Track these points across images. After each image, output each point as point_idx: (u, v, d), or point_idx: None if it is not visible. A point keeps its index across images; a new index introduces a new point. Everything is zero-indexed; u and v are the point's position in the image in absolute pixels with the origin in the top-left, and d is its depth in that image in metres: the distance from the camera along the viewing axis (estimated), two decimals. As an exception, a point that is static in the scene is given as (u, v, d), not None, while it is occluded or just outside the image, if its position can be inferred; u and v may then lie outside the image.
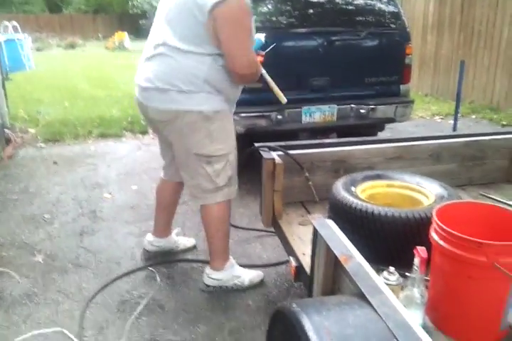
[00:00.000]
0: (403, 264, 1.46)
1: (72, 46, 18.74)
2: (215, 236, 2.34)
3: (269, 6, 3.59)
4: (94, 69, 11.53)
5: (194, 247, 2.85)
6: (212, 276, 2.38)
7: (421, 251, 1.34)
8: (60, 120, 5.96)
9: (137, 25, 21.78)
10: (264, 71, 2.35)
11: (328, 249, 1.30)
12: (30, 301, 2.36)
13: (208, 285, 2.40)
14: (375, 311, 1.00)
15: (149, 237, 2.72)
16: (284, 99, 2.43)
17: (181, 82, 2.02)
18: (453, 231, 1.31)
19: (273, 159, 2.13)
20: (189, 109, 2.05)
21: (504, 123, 6.02)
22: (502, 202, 2.32)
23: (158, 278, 2.53)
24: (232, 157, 2.23)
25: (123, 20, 24.11)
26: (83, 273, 2.61)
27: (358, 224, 1.71)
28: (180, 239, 2.83)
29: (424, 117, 6.54)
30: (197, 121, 2.07)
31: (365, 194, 1.96)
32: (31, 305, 2.32)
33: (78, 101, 7.29)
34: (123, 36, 18.47)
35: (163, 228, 2.70)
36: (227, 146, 2.18)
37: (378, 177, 2.08)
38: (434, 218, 1.39)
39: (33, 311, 2.28)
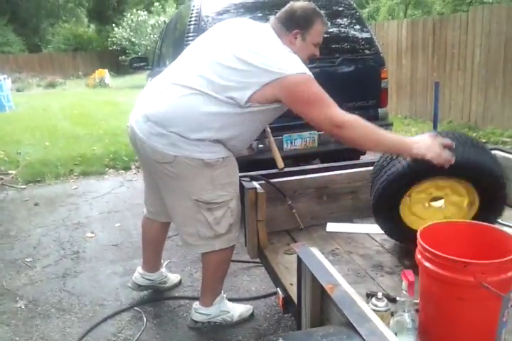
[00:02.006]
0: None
1: (52, 85, 18.84)
2: (212, 277, 2.24)
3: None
4: (75, 107, 11.53)
5: (180, 283, 2.78)
6: (201, 311, 2.30)
7: (408, 274, 1.31)
8: (41, 160, 5.90)
9: (117, 61, 22.05)
10: (269, 130, 2.34)
11: (314, 278, 1.26)
12: (12, 350, 2.26)
13: (196, 321, 2.31)
14: (364, 341, 0.96)
15: (140, 270, 2.60)
16: (281, 164, 2.38)
17: (189, 129, 1.88)
18: (438, 252, 1.28)
19: (255, 188, 2.11)
20: (189, 155, 1.91)
21: (483, 141, 6.11)
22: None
23: (144, 319, 2.45)
24: (234, 203, 2.08)
25: (103, 58, 24.41)
26: (67, 318, 2.51)
27: None
28: (169, 275, 2.75)
29: (405, 139, 6.60)
30: (197, 166, 1.94)
31: None
32: (12, 355, 2.23)
33: (59, 140, 7.25)
34: (103, 73, 18.67)
35: (153, 263, 2.60)
36: (229, 192, 2.04)
37: None
38: (418, 239, 1.37)
39: (14, 361, 2.18)
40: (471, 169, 1.76)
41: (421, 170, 1.78)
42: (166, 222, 2.47)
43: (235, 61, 1.85)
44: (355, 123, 1.81)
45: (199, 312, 2.30)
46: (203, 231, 2.06)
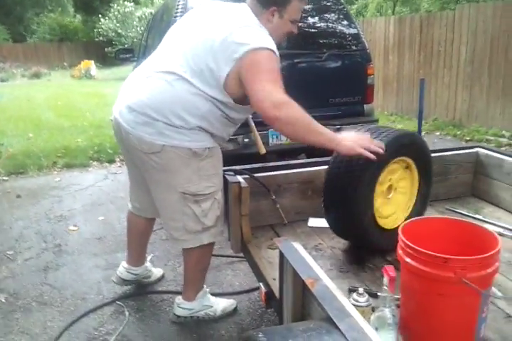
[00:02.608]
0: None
1: (37, 76, 18.55)
2: (193, 271, 2.23)
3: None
4: (60, 98, 11.38)
5: (163, 277, 2.76)
6: (183, 306, 2.29)
7: (389, 269, 1.32)
8: (24, 152, 5.82)
9: (103, 53, 21.78)
10: (250, 115, 2.33)
11: (295, 273, 1.26)
12: (-9, 344, 2.23)
13: (178, 316, 2.31)
14: (344, 336, 0.96)
15: (124, 264, 2.57)
16: (263, 150, 2.39)
17: (175, 115, 1.87)
18: (418, 248, 1.29)
19: (239, 183, 2.10)
20: (177, 145, 1.90)
21: (467, 138, 6.18)
22: (468, 215, 2.35)
23: (126, 313, 2.43)
24: (220, 195, 2.08)
25: (88, 49, 24.05)
26: (48, 311, 2.49)
27: None
28: (152, 269, 2.73)
29: (390, 135, 6.64)
30: (185, 156, 1.92)
31: None
32: (-9, 349, 2.20)
33: (43, 131, 7.15)
34: (89, 64, 18.42)
35: (137, 257, 2.57)
36: (215, 184, 2.04)
37: None
38: (400, 235, 1.38)
39: (-7, 355, 2.16)
40: (412, 146, 1.99)
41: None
42: (152, 219, 2.45)
43: (209, 42, 1.85)
44: (295, 107, 1.76)
45: (181, 306, 2.29)
46: (190, 225, 2.05)
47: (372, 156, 1.73)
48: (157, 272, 2.76)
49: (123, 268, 2.56)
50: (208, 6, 2.09)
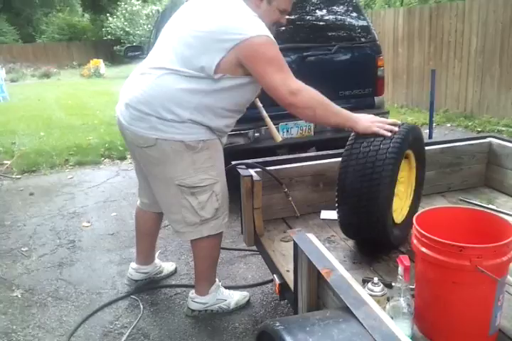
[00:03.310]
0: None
1: (47, 75, 18.67)
2: (203, 265, 2.25)
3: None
4: (70, 97, 11.45)
5: (175, 271, 2.78)
6: (197, 300, 2.31)
7: (403, 259, 1.31)
8: (36, 150, 5.87)
9: (112, 51, 21.88)
10: (260, 105, 2.32)
11: (310, 264, 1.26)
12: (9, 339, 2.26)
13: (192, 310, 2.33)
14: (361, 324, 0.96)
15: (133, 265, 2.60)
16: (278, 138, 2.39)
17: (165, 109, 1.89)
18: (434, 237, 1.29)
19: (251, 176, 2.10)
20: (170, 138, 1.92)
21: (479, 129, 6.12)
22: (481, 206, 2.33)
23: (141, 306, 2.45)
24: (219, 187, 2.07)
25: (97, 47, 24.18)
26: (63, 306, 2.52)
27: None
28: (164, 264, 2.75)
29: (401, 128, 6.61)
30: (179, 149, 1.94)
31: None
32: (10, 343, 2.23)
33: (54, 130, 7.20)
34: (98, 63, 18.51)
35: (146, 254, 2.59)
36: (212, 176, 2.03)
37: None
38: (415, 225, 1.37)
39: (11, 349, 2.19)
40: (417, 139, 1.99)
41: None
42: (160, 213, 2.44)
43: (200, 30, 1.86)
44: (310, 91, 1.85)
45: (195, 301, 2.31)
46: (188, 217, 2.07)
47: (388, 134, 1.79)
48: (169, 266, 2.77)
49: (132, 270, 2.60)
50: None
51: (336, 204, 1.87)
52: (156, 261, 2.69)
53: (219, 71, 1.84)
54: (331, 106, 1.88)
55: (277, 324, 0.99)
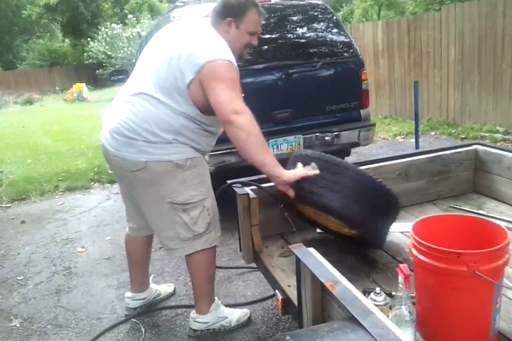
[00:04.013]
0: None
1: (29, 102, 18.58)
2: (201, 282, 2.27)
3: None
4: (55, 123, 11.42)
5: (174, 292, 2.78)
6: (199, 320, 2.31)
7: (403, 268, 1.34)
8: (24, 178, 5.84)
9: (94, 75, 21.90)
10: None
11: (313, 277, 1.28)
12: (11, 370, 2.23)
13: (195, 330, 2.32)
14: (369, 333, 0.99)
15: (129, 294, 2.59)
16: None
17: (149, 133, 1.95)
18: (431, 245, 1.32)
19: (247, 194, 2.13)
20: (159, 159, 1.98)
21: (462, 136, 6.24)
22: (472, 212, 2.38)
23: (142, 329, 2.45)
24: (209, 202, 2.14)
25: (79, 72, 24.17)
26: (64, 333, 2.50)
27: None
28: (160, 287, 2.74)
29: (387, 138, 6.72)
30: (169, 169, 2.00)
31: None
32: (11, 375, 2.20)
33: (41, 157, 7.17)
34: (81, 87, 18.49)
35: (141, 282, 2.59)
36: (202, 192, 2.10)
37: None
38: (412, 233, 1.41)
39: (14, 381, 2.16)
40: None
41: None
42: (149, 237, 2.48)
43: (171, 56, 1.94)
44: (253, 119, 1.87)
45: (197, 321, 2.31)
46: (182, 233, 2.11)
47: (291, 195, 1.92)
48: (167, 288, 2.77)
49: (129, 299, 2.58)
50: (174, 24, 2.23)
51: None
52: (151, 285, 2.68)
53: (189, 94, 1.93)
54: (265, 143, 1.94)
55: (287, 338, 1.01)
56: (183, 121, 1.98)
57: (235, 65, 1.93)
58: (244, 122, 1.84)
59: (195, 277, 2.26)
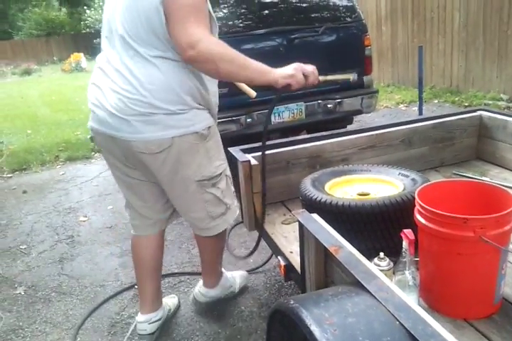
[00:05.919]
0: (390, 252, 1.46)
1: (27, 72, 18.32)
2: (213, 256, 2.19)
3: (225, 10, 3.58)
4: (53, 93, 11.30)
5: (179, 304, 2.41)
6: (209, 295, 2.27)
7: (408, 233, 1.33)
8: (25, 148, 5.81)
9: (92, 44, 21.51)
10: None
11: (317, 242, 1.27)
12: (17, 336, 2.27)
13: (201, 303, 2.31)
14: (373, 297, 0.98)
15: (141, 318, 2.11)
16: (253, 94, 2.25)
17: (166, 101, 1.66)
18: (437, 211, 1.30)
19: (248, 161, 2.10)
20: (185, 132, 1.72)
21: (466, 104, 6.16)
22: (475, 178, 2.36)
23: (146, 296, 2.46)
24: (228, 169, 1.99)
25: (77, 41, 23.67)
26: (68, 301, 2.53)
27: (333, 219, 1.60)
28: (166, 300, 2.33)
29: (389, 107, 6.64)
30: (194, 142, 1.77)
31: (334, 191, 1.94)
32: (18, 340, 2.23)
33: (41, 127, 7.12)
34: (79, 57, 18.19)
35: (153, 298, 2.14)
36: (223, 160, 1.94)
37: (344, 173, 2.06)
38: (417, 199, 1.39)
39: (20, 346, 2.19)
40: None
41: None
42: (159, 235, 2.13)
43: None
44: (211, 43, 1.56)
45: (205, 295, 2.27)
46: (213, 211, 1.94)
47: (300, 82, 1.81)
48: (172, 300, 2.39)
49: (142, 324, 2.11)
50: None
51: None
52: (164, 300, 2.28)
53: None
54: (239, 59, 1.62)
55: (292, 302, 1.00)
56: (186, 79, 1.69)
57: None
58: (203, 54, 1.54)
59: (208, 253, 2.16)
